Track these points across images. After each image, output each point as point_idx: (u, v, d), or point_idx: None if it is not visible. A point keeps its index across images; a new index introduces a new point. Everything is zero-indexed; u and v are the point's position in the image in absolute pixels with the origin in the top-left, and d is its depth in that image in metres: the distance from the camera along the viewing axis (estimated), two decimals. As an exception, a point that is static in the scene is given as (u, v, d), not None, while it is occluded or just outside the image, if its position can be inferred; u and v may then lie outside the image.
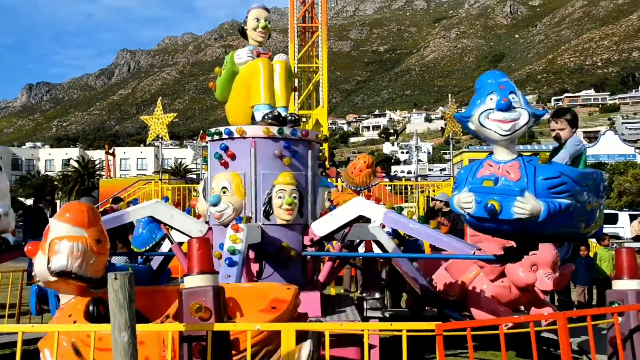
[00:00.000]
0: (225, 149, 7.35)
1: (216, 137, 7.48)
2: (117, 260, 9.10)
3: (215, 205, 7.17)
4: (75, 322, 5.04)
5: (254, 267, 7.24)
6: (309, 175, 7.47)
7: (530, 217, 5.37)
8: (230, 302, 5.38)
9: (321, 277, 7.68)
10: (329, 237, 7.52)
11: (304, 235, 7.39)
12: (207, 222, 7.75)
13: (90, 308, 5.20)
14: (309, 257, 7.38)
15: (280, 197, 7.09)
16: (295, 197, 7.12)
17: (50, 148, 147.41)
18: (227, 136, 7.40)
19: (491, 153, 5.80)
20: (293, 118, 7.41)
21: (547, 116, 7.30)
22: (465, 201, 5.63)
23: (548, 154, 6.65)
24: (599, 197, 5.97)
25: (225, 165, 7.42)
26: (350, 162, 9.61)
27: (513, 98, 5.61)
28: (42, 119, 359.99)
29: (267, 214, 7.19)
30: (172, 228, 7.80)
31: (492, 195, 5.52)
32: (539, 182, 5.46)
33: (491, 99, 5.62)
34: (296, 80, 8.48)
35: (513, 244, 6.23)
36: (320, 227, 7.31)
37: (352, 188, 9.69)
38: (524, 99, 5.75)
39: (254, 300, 5.44)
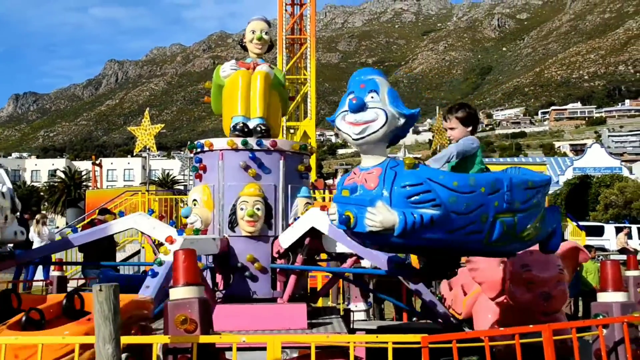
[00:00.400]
0: (199, 161, 7.46)
1: (193, 150, 7.61)
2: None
3: (186, 217, 7.26)
4: None
5: (219, 278, 7.30)
6: (279, 186, 7.38)
7: (384, 230, 4.80)
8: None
9: (286, 293, 7.18)
10: (294, 248, 7.26)
11: (273, 247, 7.32)
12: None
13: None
14: (278, 269, 7.27)
15: (242, 209, 7.08)
16: (258, 209, 7.06)
17: (37, 158, 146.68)
18: (199, 149, 7.49)
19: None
20: (260, 129, 7.33)
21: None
22: (330, 212, 5.16)
23: (413, 158, 5.53)
24: (511, 205, 5.15)
25: (199, 177, 7.55)
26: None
27: (372, 97, 5.08)
28: (29, 129, 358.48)
29: (232, 225, 7.18)
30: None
31: (349, 205, 5.00)
32: (396, 190, 4.87)
33: (349, 99, 5.09)
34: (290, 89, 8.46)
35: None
36: (284, 239, 7.22)
37: None
38: (392, 97, 5.14)
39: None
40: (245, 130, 7.24)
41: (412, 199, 4.82)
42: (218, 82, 7.71)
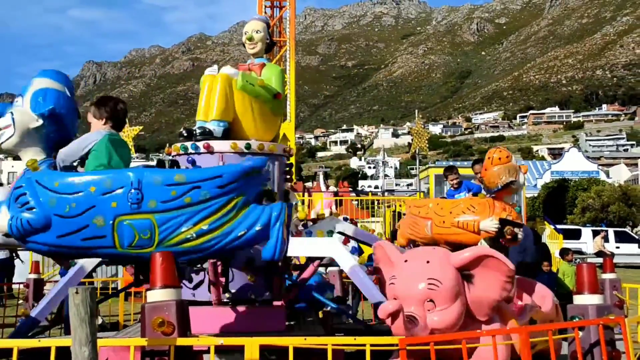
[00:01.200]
0: (193, 162, 7.31)
1: (182, 152, 7.42)
2: None
3: None
4: None
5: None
6: (274, 189, 7.42)
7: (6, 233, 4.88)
8: None
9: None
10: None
11: None
12: None
13: None
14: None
15: None
16: None
17: (14, 160, 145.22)
18: (192, 151, 7.35)
19: None
20: (198, 132, 7.28)
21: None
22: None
23: (35, 160, 5.34)
24: (140, 205, 4.71)
25: None
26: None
27: (16, 102, 5.25)
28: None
29: None
30: None
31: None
32: (12, 193, 4.91)
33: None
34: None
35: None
36: (290, 247, 7.21)
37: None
38: (33, 97, 5.28)
39: None
40: (185, 135, 7.26)
41: (17, 201, 4.78)
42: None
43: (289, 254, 7.27)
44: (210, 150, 7.15)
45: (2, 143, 5.16)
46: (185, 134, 7.21)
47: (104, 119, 5.60)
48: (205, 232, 4.76)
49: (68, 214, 4.63)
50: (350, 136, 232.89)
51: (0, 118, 5.15)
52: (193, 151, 7.10)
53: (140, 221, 4.67)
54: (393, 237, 13.55)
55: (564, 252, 13.88)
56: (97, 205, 4.64)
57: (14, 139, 5.12)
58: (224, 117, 7.18)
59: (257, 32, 7.78)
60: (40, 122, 5.14)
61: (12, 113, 5.14)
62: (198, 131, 7.19)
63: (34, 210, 4.67)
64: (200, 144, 7.12)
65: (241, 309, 6.67)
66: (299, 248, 7.15)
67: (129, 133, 21.18)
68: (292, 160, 20.35)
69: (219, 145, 7.19)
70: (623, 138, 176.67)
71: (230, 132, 7.23)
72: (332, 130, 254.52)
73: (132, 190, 4.67)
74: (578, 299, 5.71)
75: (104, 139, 5.28)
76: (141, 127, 22.37)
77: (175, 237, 4.73)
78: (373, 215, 21.41)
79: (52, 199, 4.67)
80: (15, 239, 4.85)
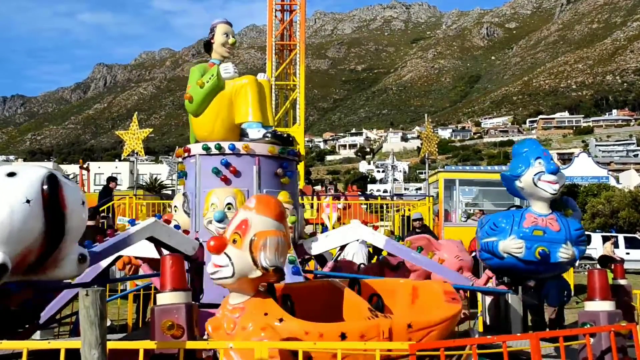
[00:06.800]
0: (227, 164, 7.23)
1: (215, 151, 7.30)
2: None
3: (220, 221, 6.83)
4: (281, 320, 4.83)
5: None
6: (296, 193, 7.67)
7: (570, 260, 6.94)
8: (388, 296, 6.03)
9: None
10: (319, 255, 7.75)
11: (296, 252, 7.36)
12: (197, 239, 7.47)
13: (288, 303, 5.28)
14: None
15: None
16: (295, 216, 7.24)
17: (24, 162, 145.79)
18: (230, 151, 7.26)
19: (517, 207, 7.72)
20: (292, 138, 7.53)
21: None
22: (518, 247, 6.86)
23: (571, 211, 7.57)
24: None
25: (226, 181, 7.27)
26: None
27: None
28: (16, 132, 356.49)
29: None
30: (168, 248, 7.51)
31: (542, 242, 6.84)
32: (573, 233, 6.98)
33: (540, 163, 7.04)
34: (273, 97, 8.56)
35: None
36: (315, 246, 7.43)
37: None
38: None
39: (406, 294, 6.17)
40: (283, 138, 7.33)
41: (579, 239, 7.03)
42: (219, 83, 7.46)
43: (315, 252, 7.47)
44: (298, 158, 7.57)
45: (558, 190, 7.16)
46: (282, 138, 7.37)
47: None
48: None
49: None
50: (359, 140, 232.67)
51: (556, 175, 7.11)
52: (290, 157, 7.50)
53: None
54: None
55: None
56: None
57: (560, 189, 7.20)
58: (274, 123, 7.57)
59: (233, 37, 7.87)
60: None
61: (563, 173, 7.29)
62: (291, 137, 7.52)
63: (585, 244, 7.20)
64: (294, 151, 7.58)
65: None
66: (326, 243, 7.35)
67: (138, 135, 21.18)
68: (302, 164, 20.46)
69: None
70: (633, 143, 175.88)
71: None
72: (341, 134, 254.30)
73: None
74: (589, 306, 5.69)
75: None
76: (151, 130, 22.36)
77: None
78: (382, 219, 21.36)
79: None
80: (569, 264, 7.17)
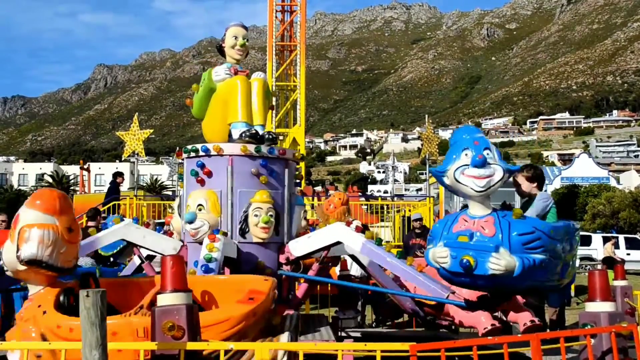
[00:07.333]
0: (202, 166, 7.31)
1: (193, 154, 7.44)
2: (84, 262, 9.02)
3: (191, 222, 7.12)
4: (44, 312, 4.94)
5: None
6: (285, 193, 7.45)
7: (505, 272, 5.42)
8: (205, 294, 5.46)
9: (299, 294, 7.62)
10: (306, 257, 7.49)
11: (280, 253, 7.36)
12: (181, 240, 7.70)
13: (61, 299, 5.08)
14: (284, 275, 7.35)
15: (256, 216, 7.07)
16: (271, 216, 7.10)
17: (24, 162, 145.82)
18: (203, 153, 7.37)
19: (466, 207, 5.97)
20: (270, 136, 7.39)
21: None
22: (442, 256, 5.68)
23: (520, 209, 6.14)
24: (572, 249, 6.04)
25: (202, 182, 7.38)
26: (326, 199, 9.54)
27: (487, 154, 5.70)
28: (17, 133, 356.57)
29: (243, 232, 7.17)
30: (144, 248, 7.75)
31: (466, 250, 5.54)
32: (514, 237, 5.51)
33: (466, 154, 5.71)
34: (274, 99, 8.50)
35: None
36: (297, 247, 7.30)
37: None
38: (499, 154, 5.88)
39: (231, 292, 5.44)
40: (257, 137, 7.26)
41: (527, 245, 5.52)
42: (210, 86, 7.64)
43: (298, 254, 7.33)
44: (283, 156, 7.38)
45: (489, 189, 5.69)
46: (257, 136, 7.25)
47: (535, 182, 6.84)
48: (574, 267, 6.26)
49: (556, 256, 5.72)
50: (359, 141, 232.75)
51: (483, 168, 5.67)
52: (268, 155, 7.28)
53: (570, 261, 6.05)
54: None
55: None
56: (564, 247, 5.84)
57: (498, 186, 5.75)
58: (265, 122, 7.44)
59: (247, 40, 7.84)
60: (507, 176, 5.84)
61: (500, 166, 5.74)
62: (272, 135, 7.38)
63: (546, 252, 5.57)
64: (277, 150, 7.36)
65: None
66: (306, 245, 7.21)
67: (139, 136, 21.16)
68: (302, 164, 20.42)
69: (287, 152, 7.58)
70: (634, 144, 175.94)
71: None
72: (342, 135, 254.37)
73: (573, 238, 6.08)
74: (590, 306, 5.68)
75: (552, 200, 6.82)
76: (151, 130, 22.34)
77: (569, 272, 6.08)
78: (382, 220, 21.35)
79: (551, 243, 5.64)
80: (515, 276, 5.49)
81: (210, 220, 7.15)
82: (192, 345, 4.39)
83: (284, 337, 4.83)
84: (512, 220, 5.59)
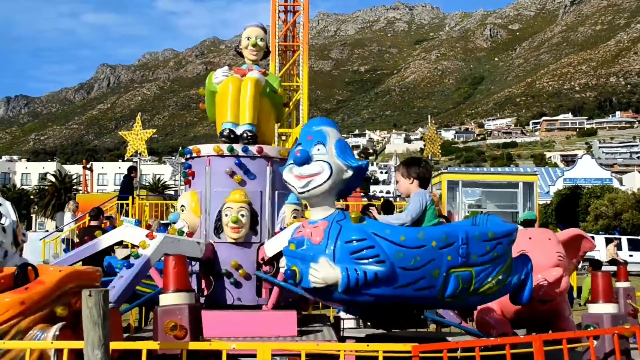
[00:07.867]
0: (188, 167, 7.46)
1: (228, 153, 7.42)
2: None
3: (174, 222, 7.32)
4: None
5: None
6: (266, 192, 7.38)
7: (327, 286, 4.81)
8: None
9: (270, 301, 7.11)
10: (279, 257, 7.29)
11: (258, 254, 7.26)
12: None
13: None
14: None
15: (226, 215, 7.04)
16: (242, 215, 7.00)
17: (27, 162, 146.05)
18: (188, 155, 7.50)
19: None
20: (246, 135, 7.31)
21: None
22: (281, 265, 5.38)
23: (359, 212, 5.43)
24: (468, 259, 5.09)
25: (189, 183, 7.52)
26: None
27: (318, 150, 5.07)
28: (20, 132, 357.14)
29: (218, 231, 7.17)
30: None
31: (295, 260, 5.01)
32: (339, 245, 4.84)
33: (294, 152, 5.17)
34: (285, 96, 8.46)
35: None
36: (269, 247, 7.14)
37: None
38: (340, 149, 5.14)
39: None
40: (232, 136, 7.23)
41: (356, 254, 4.79)
42: (211, 89, 7.67)
43: (270, 253, 7.17)
44: (262, 154, 7.24)
45: (312, 189, 5.01)
46: (232, 136, 7.23)
47: (412, 179, 5.77)
48: (500, 281, 5.25)
49: (412, 267, 4.87)
50: (362, 141, 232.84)
51: (306, 165, 5.02)
52: (243, 154, 7.16)
53: (465, 273, 5.03)
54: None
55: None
56: (436, 258, 4.94)
57: (324, 188, 5.02)
58: (254, 121, 7.31)
59: (261, 39, 7.82)
60: (350, 174, 5.10)
61: (327, 163, 5.00)
62: (248, 134, 7.27)
63: (383, 262, 4.78)
64: (253, 148, 7.20)
65: (253, 314, 6.65)
66: (277, 243, 6.98)
67: (142, 135, 21.20)
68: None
69: (268, 150, 7.33)
70: (637, 145, 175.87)
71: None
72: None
73: (462, 245, 5.04)
74: (593, 308, 5.67)
75: (431, 199, 5.61)
76: (154, 130, 22.42)
77: (484, 286, 5.15)
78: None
79: (399, 252, 4.84)
80: (342, 291, 4.81)
81: (190, 220, 7.23)
82: (194, 345, 4.39)
83: (52, 330, 4.67)
84: (345, 225, 4.93)
